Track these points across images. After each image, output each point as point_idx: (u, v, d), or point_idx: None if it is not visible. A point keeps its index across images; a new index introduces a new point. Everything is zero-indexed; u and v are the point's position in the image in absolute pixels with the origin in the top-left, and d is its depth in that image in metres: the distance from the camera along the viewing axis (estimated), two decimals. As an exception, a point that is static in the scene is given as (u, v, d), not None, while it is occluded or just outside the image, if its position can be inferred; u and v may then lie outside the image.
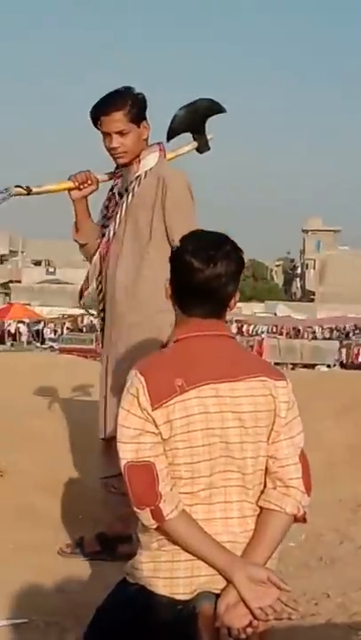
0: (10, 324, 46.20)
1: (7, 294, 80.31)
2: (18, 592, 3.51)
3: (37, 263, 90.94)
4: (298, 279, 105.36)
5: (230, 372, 2.59)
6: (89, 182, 4.06)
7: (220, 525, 2.55)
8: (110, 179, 4.22)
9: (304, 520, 2.66)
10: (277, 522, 2.58)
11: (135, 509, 2.54)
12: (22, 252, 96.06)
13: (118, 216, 4.00)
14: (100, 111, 3.86)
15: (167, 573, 2.54)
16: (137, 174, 3.97)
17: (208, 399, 2.53)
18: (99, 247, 4.12)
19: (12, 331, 45.54)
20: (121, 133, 3.84)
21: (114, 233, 4.03)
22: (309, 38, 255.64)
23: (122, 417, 2.58)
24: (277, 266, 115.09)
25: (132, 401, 2.56)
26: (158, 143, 4.16)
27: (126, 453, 2.54)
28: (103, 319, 4.20)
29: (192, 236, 2.70)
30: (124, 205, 3.98)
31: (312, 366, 33.97)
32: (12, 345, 42.26)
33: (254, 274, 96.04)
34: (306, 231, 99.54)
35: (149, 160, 3.99)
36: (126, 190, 3.99)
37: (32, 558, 3.99)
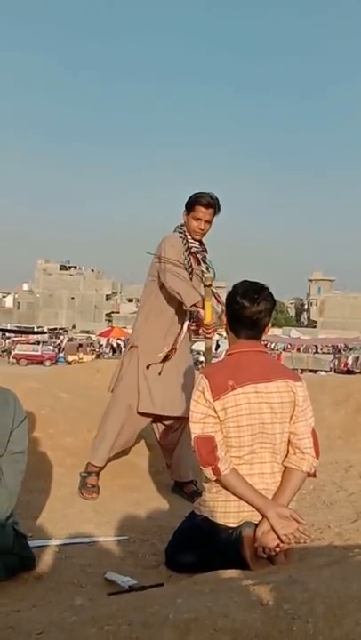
0: (113, 341, 46.82)
1: (110, 320, 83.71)
2: (121, 518, 3.52)
3: (130, 300, 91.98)
4: (305, 312, 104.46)
5: (265, 375, 2.60)
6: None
7: (257, 478, 2.56)
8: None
9: (314, 476, 2.67)
10: (296, 477, 2.58)
11: (201, 467, 2.56)
12: (120, 293, 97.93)
13: (198, 271, 3.95)
14: (202, 204, 3.86)
15: (222, 509, 2.56)
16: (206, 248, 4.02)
17: (250, 394, 2.55)
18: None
19: (114, 345, 46.00)
20: (208, 222, 3.92)
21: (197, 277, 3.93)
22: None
23: (193, 405, 2.60)
24: (291, 303, 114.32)
25: (199, 395, 2.58)
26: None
27: (196, 430, 2.56)
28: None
29: (242, 284, 2.70)
30: (204, 265, 3.96)
31: (314, 371, 33.50)
32: (113, 354, 42.64)
33: (275, 308, 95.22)
34: (311, 280, 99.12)
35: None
36: (204, 256, 3.98)
37: (131, 495, 4.02)
